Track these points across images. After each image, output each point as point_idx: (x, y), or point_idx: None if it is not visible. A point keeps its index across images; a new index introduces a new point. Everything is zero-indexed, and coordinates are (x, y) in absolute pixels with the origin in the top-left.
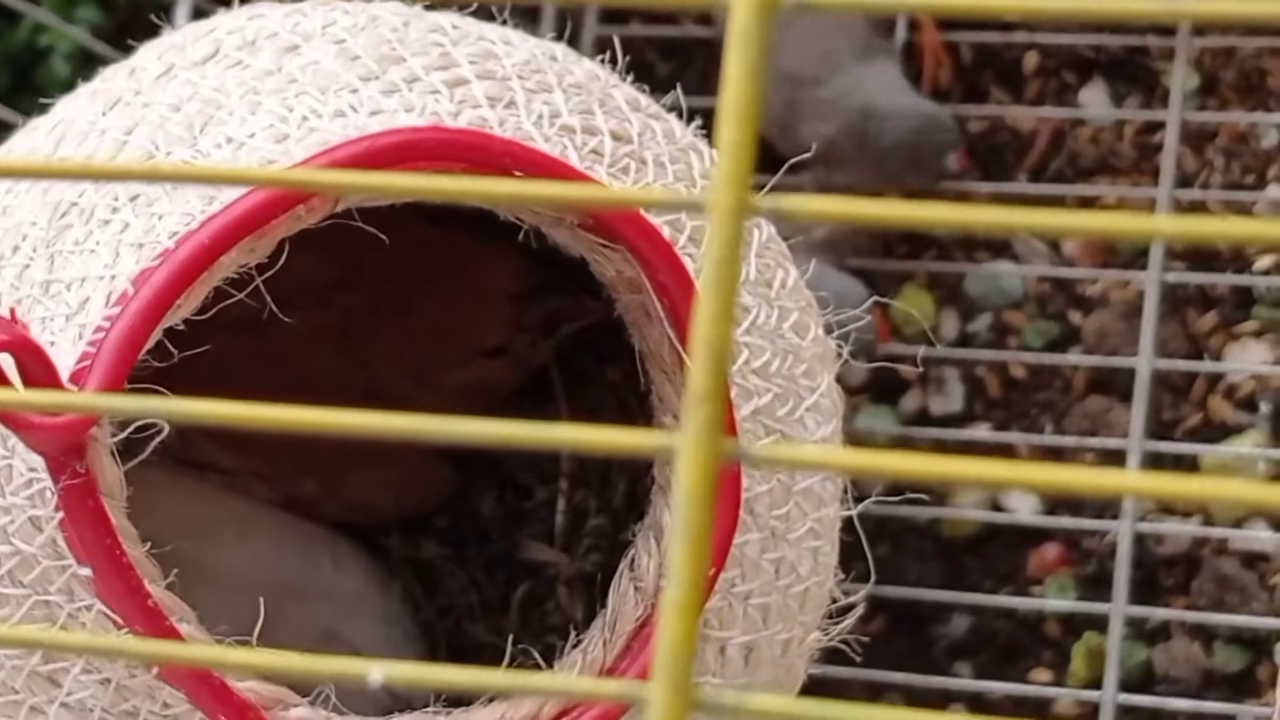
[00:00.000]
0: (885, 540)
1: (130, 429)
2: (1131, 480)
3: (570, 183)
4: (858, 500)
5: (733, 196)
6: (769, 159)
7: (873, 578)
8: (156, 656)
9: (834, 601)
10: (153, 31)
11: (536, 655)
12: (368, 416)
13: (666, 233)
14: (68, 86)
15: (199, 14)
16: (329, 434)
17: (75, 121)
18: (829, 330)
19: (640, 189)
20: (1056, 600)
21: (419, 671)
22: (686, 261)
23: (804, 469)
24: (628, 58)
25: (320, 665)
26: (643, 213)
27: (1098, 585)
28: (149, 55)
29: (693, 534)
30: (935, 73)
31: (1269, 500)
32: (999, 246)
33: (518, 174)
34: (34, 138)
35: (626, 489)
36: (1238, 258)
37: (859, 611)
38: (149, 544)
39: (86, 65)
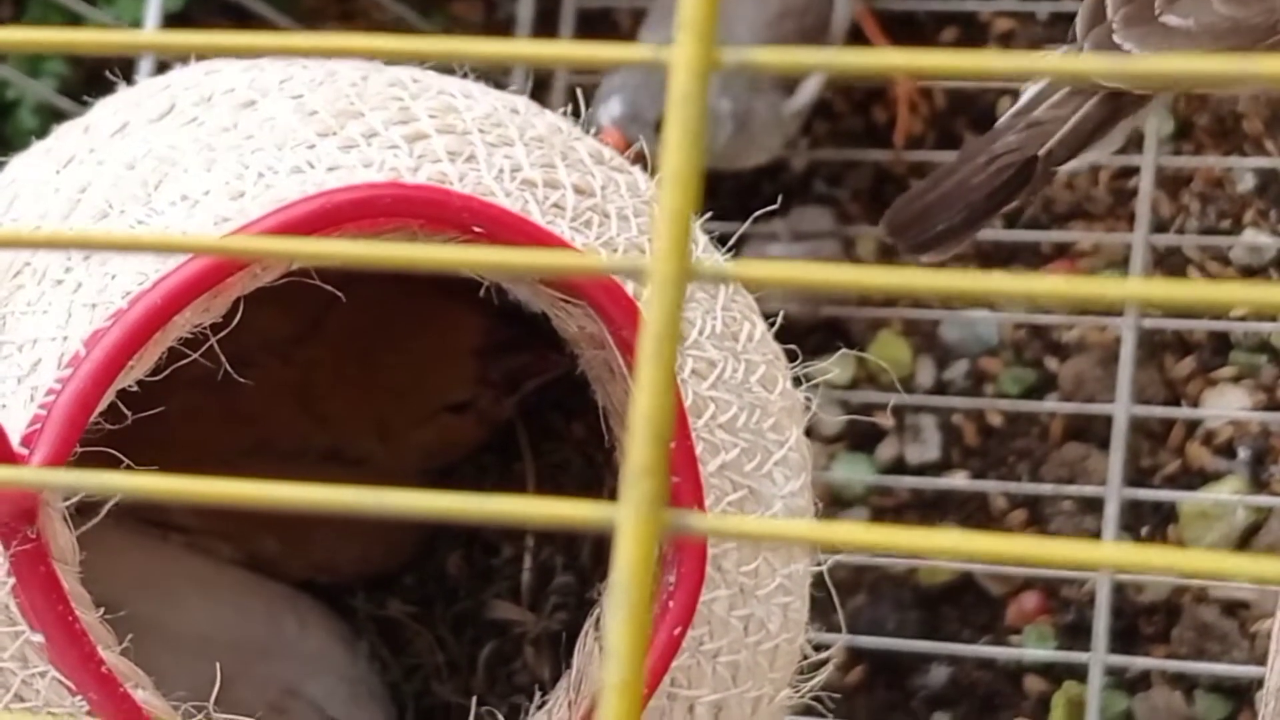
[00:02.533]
0: (862, 590)
1: (83, 493)
2: (1107, 552)
3: (520, 247)
4: (829, 553)
5: (673, 264)
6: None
7: (844, 628)
8: None
9: (805, 657)
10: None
11: (500, 716)
12: (308, 490)
13: (629, 288)
14: (36, 138)
15: (163, 68)
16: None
17: (29, 180)
18: (798, 383)
19: (579, 254)
20: (1036, 650)
21: None
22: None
23: (750, 540)
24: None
25: None
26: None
27: (1077, 634)
28: (104, 112)
29: (634, 610)
30: (909, 121)
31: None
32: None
33: (477, 229)
34: None
35: (593, 545)
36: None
37: (831, 667)
38: (103, 609)
39: (55, 118)
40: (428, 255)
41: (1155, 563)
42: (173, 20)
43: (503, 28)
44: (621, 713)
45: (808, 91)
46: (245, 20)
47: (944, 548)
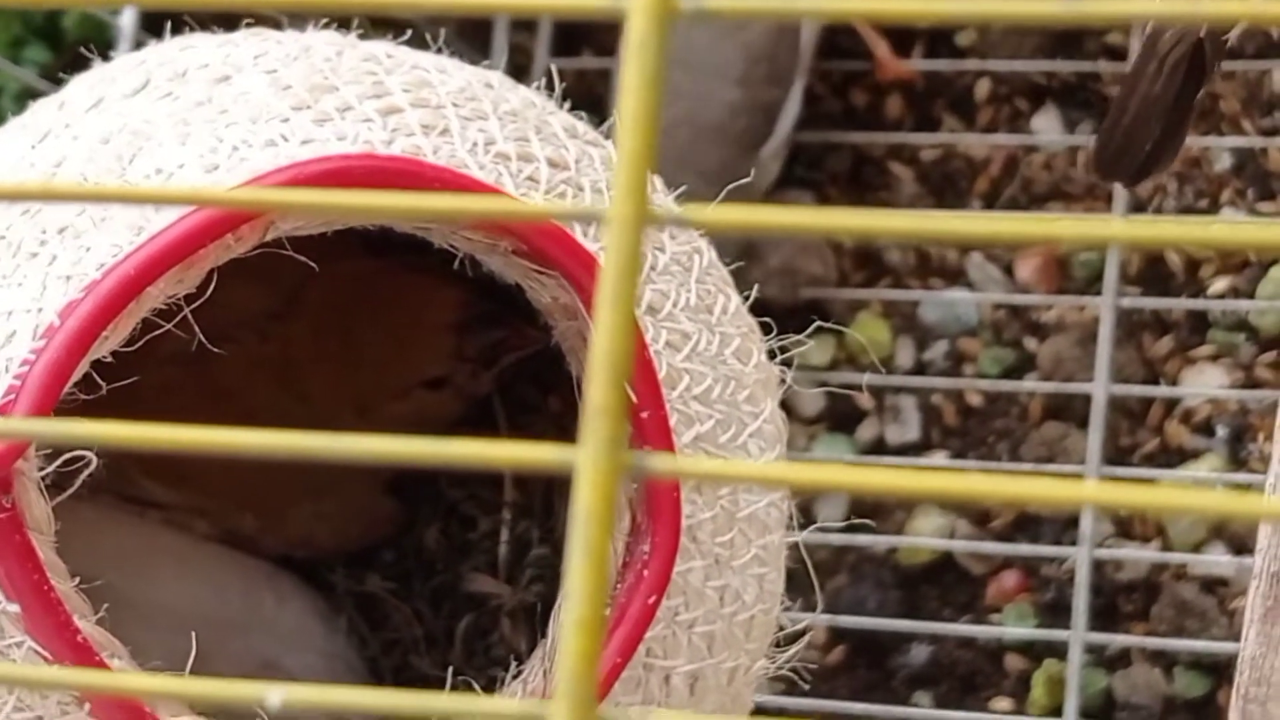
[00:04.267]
0: (843, 570)
1: (58, 462)
2: (1089, 491)
3: (474, 195)
4: (803, 527)
5: (631, 206)
6: None
7: (819, 605)
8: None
9: (781, 629)
10: None
11: (477, 686)
12: (270, 436)
13: (602, 257)
14: None
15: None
16: (238, 456)
17: (4, 156)
18: (772, 356)
19: (526, 198)
20: (1016, 628)
21: (318, 693)
22: (637, 293)
23: (708, 481)
24: (581, 87)
25: (215, 689)
26: (577, 237)
27: (1057, 612)
28: (79, 88)
29: (592, 550)
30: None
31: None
32: (954, 274)
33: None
34: None
35: (569, 519)
36: (1192, 281)
37: (808, 639)
38: (78, 579)
39: None
40: (377, 204)
41: (1135, 500)
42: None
43: (484, 24)
44: (582, 650)
45: (784, 126)
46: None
47: (915, 488)
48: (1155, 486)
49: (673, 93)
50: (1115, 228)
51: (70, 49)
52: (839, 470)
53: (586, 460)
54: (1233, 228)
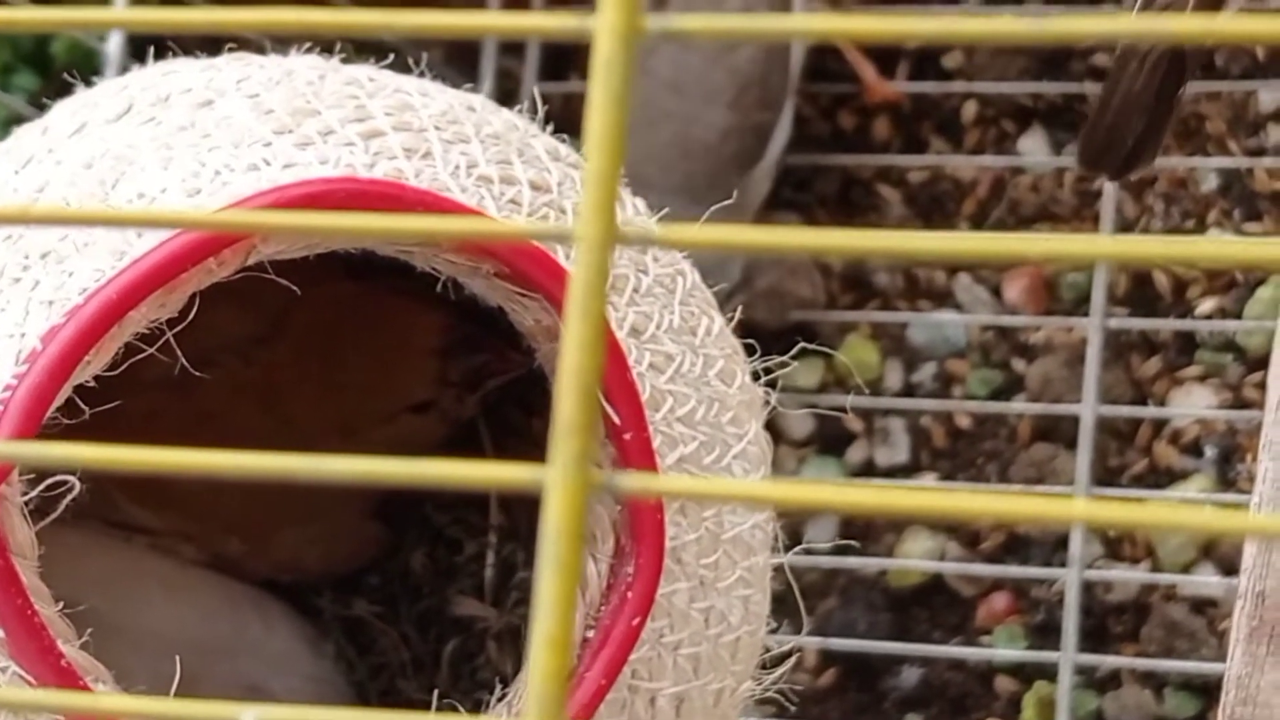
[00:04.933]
0: (834, 593)
1: (41, 487)
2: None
3: (451, 215)
4: (792, 549)
5: (599, 226)
6: None
7: (807, 628)
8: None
9: (768, 651)
10: None
11: (463, 709)
12: (249, 457)
13: None
14: None
15: None
16: (219, 478)
17: None
18: (756, 377)
19: (506, 220)
20: (1006, 650)
21: (293, 713)
22: (607, 310)
23: (682, 498)
24: (569, 112)
25: (190, 709)
26: (558, 260)
27: (1047, 634)
28: (62, 113)
29: (562, 567)
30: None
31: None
32: (942, 295)
33: None
34: None
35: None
36: (1180, 302)
37: (796, 661)
38: (62, 604)
39: None
40: (379, 225)
41: (1124, 517)
42: (139, 37)
43: (470, 41)
44: (550, 667)
45: (775, 149)
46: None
47: (889, 505)
48: (1143, 504)
49: (664, 116)
50: (1102, 245)
51: (58, 76)
52: (813, 488)
53: (556, 478)
54: (1218, 244)
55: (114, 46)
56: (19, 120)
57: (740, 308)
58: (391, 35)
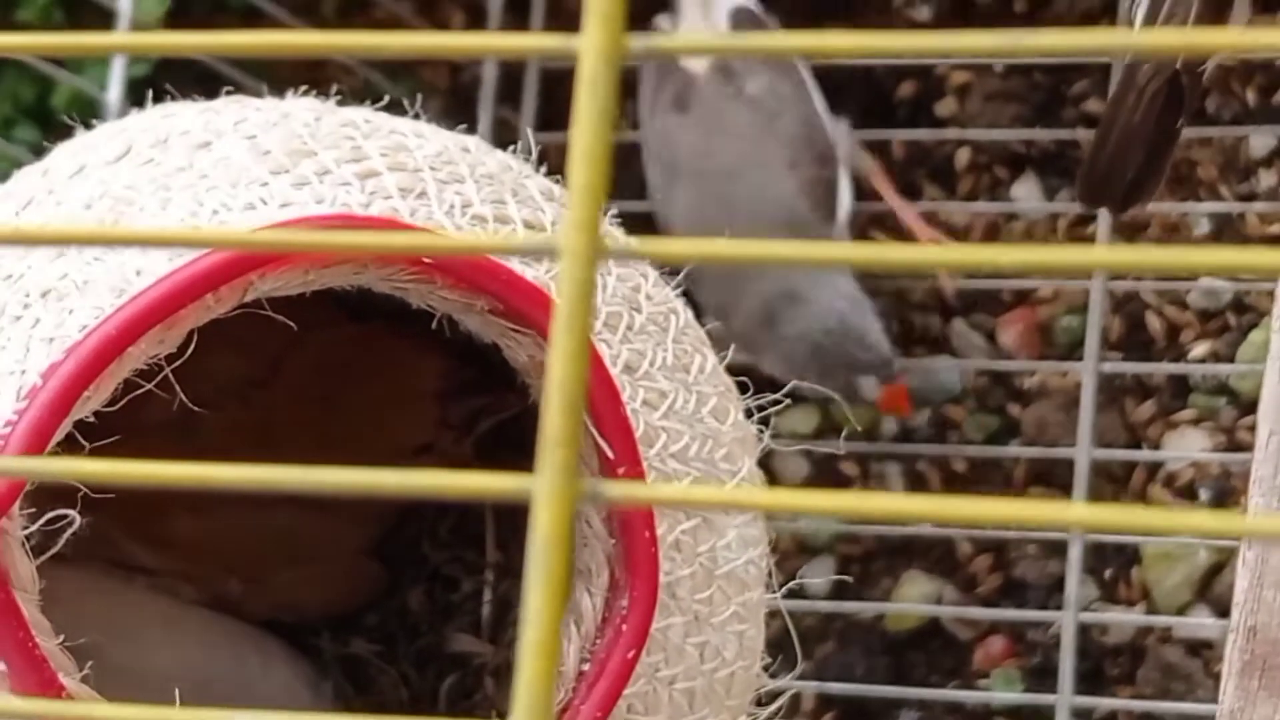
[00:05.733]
0: (831, 637)
1: (42, 521)
2: (1078, 513)
3: (470, 276)
4: (791, 594)
5: (584, 239)
6: None
7: (804, 670)
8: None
9: (762, 687)
10: None
11: None
12: (246, 470)
13: None
14: None
15: None
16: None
17: None
18: (749, 415)
19: (493, 235)
20: (1004, 693)
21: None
22: (601, 347)
23: (666, 505)
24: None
25: (182, 715)
26: (552, 295)
27: (1044, 677)
28: (61, 155)
29: (549, 575)
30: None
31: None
32: (937, 341)
33: (427, 260)
34: None
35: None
36: (1173, 346)
37: (790, 704)
38: (62, 637)
39: None
40: (383, 242)
41: (1124, 521)
42: (140, 85)
43: (468, 90)
44: (538, 672)
45: (845, 205)
46: (214, 85)
47: (888, 510)
48: (1139, 508)
49: (731, 202)
50: (1098, 254)
51: (59, 129)
52: (802, 494)
53: (543, 487)
54: (1213, 251)
55: (114, 96)
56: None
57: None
58: (382, 55)
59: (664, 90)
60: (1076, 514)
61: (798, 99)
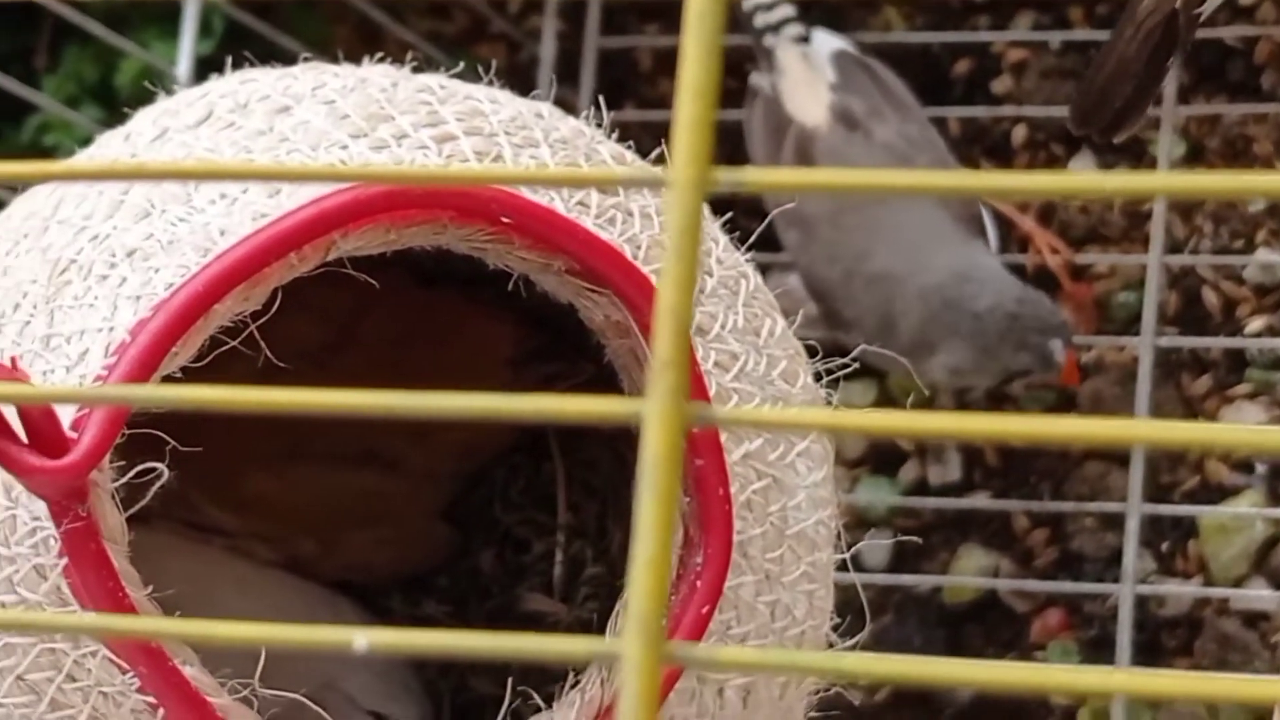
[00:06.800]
0: (888, 610)
1: (130, 474)
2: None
3: (548, 237)
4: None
5: (692, 170)
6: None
7: (867, 618)
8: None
9: (831, 646)
10: None
11: (538, 698)
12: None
13: (654, 280)
14: None
15: None
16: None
17: (73, 185)
18: (818, 378)
19: (599, 170)
20: (1060, 665)
21: (401, 637)
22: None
23: (769, 429)
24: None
25: (299, 634)
26: (629, 257)
27: (1100, 649)
28: (143, 120)
29: (660, 493)
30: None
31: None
32: None
33: (505, 220)
34: (33, 201)
35: (623, 538)
36: (1229, 321)
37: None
38: (150, 588)
39: None
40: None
41: (1182, 436)
42: (204, 64)
43: (525, 69)
44: (649, 586)
45: (992, 233)
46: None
47: (950, 428)
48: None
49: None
50: (1158, 180)
51: (122, 109)
52: (877, 417)
53: (654, 410)
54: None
55: (184, 71)
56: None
57: None
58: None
59: (782, 150)
60: (1140, 431)
61: (926, 139)
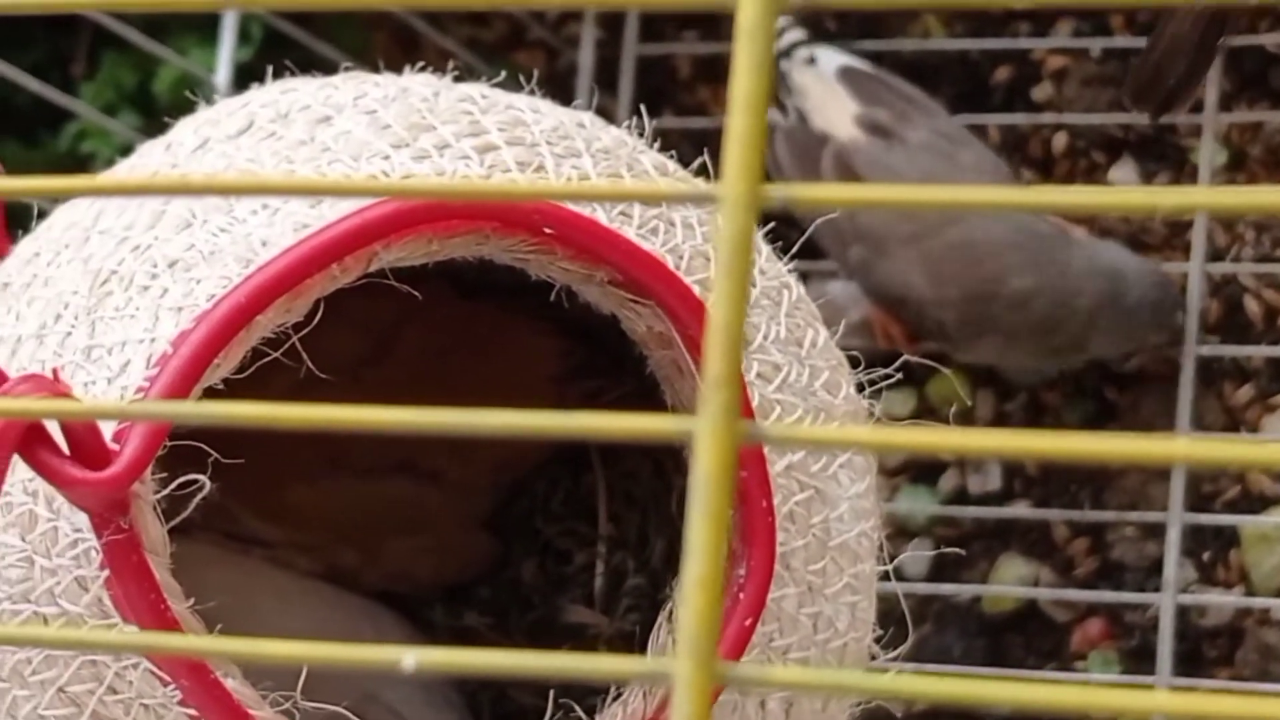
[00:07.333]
0: (929, 619)
1: (172, 486)
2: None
3: (590, 248)
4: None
5: (744, 186)
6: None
7: (909, 629)
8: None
9: (873, 658)
10: None
11: (579, 710)
12: (402, 412)
13: (697, 291)
14: None
15: None
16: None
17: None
18: (860, 389)
19: (647, 185)
20: (1101, 675)
21: (450, 656)
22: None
23: (823, 447)
24: (667, 150)
25: (347, 653)
26: (672, 268)
27: (1141, 659)
28: (184, 130)
29: (712, 512)
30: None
31: None
32: None
33: (548, 230)
34: (74, 211)
35: (664, 549)
36: (1271, 329)
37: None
38: (192, 600)
39: None
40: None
41: (1227, 455)
42: (243, 71)
43: (564, 77)
44: (702, 607)
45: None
46: (315, 70)
47: (1004, 445)
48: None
49: (966, 242)
50: (1197, 195)
51: (160, 117)
52: (925, 436)
53: (705, 428)
54: None
55: (223, 79)
56: (127, 151)
57: None
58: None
59: (820, 168)
60: (1180, 450)
61: (959, 133)
